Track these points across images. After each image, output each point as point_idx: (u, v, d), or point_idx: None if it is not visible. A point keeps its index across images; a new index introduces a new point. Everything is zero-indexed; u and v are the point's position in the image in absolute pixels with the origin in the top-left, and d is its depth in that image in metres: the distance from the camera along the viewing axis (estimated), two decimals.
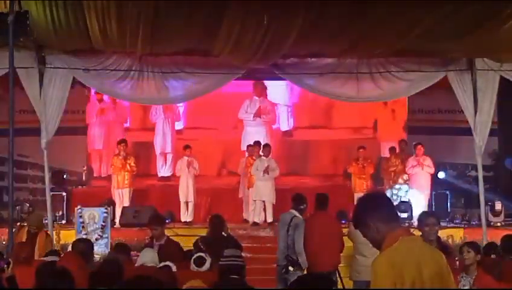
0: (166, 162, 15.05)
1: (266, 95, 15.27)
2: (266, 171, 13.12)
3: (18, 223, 10.72)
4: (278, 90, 15.51)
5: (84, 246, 6.91)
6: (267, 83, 15.00)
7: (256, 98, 15.00)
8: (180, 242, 8.26)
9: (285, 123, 16.09)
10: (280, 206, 12.20)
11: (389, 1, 9.43)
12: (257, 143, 13.76)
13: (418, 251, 3.31)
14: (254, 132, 14.60)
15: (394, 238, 3.31)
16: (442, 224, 13.33)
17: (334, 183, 15.25)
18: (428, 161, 13.67)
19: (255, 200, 13.35)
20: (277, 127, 15.86)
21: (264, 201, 13.32)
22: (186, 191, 13.63)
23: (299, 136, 16.21)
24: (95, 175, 15.41)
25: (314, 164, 16.07)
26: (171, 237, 8.38)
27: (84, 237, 10.43)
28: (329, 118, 16.29)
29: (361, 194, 12.82)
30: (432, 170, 13.72)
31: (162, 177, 15.32)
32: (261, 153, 13.44)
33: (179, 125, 15.42)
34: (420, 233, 5.89)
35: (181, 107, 15.32)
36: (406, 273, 3.20)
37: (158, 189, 14.95)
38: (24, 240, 8.57)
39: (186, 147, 14.03)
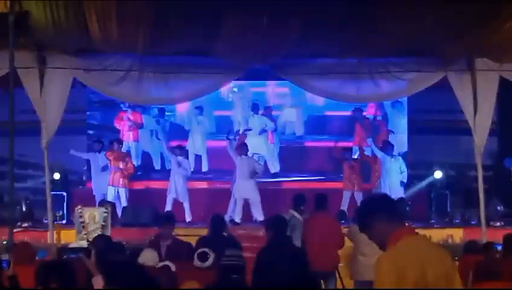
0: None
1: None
2: None
3: None
4: None
5: (103, 242, 6.90)
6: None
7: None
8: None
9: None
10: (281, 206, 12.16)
11: (389, 1, 9.43)
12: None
13: (422, 250, 3.29)
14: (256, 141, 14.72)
15: (397, 237, 3.31)
16: (442, 224, 13.45)
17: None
18: None
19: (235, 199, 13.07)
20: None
21: (247, 199, 13.01)
22: (173, 186, 13.45)
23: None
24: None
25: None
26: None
27: (85, 237, 10.49)
28: None
29: (356, 193, 13.31)
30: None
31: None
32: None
33: None
34: None
35: None
36: (409, 272, 3.20)
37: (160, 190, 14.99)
38: None
39: (178, 147, 13.87)
